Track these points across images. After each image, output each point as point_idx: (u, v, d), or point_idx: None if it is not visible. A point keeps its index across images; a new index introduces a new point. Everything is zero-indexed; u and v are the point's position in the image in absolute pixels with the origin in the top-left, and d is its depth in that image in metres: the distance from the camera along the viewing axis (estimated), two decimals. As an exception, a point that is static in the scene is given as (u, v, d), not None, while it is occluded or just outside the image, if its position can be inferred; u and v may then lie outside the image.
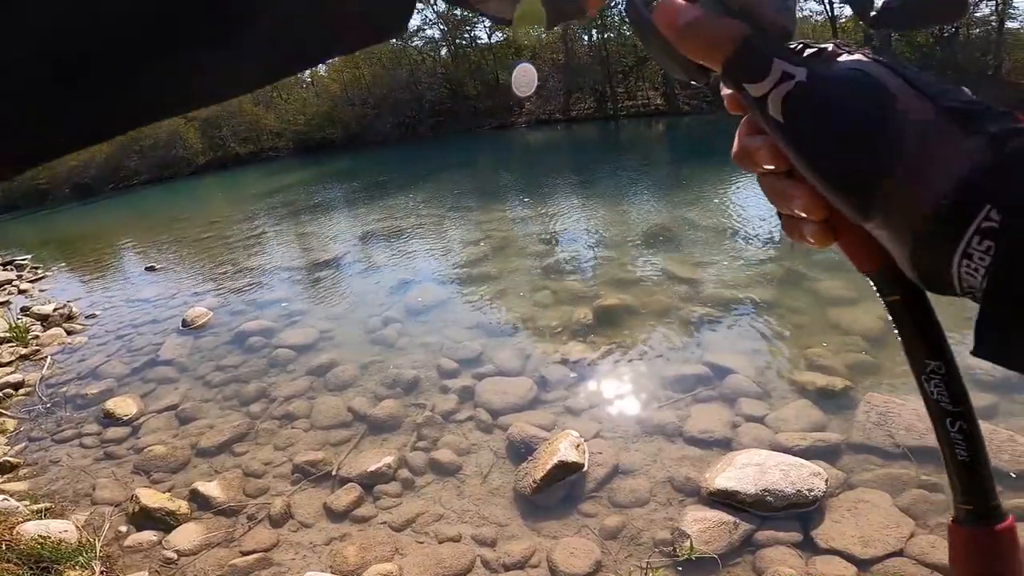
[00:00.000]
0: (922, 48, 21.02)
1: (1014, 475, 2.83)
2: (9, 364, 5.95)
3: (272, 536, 3.05)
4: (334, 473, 3.46)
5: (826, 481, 2.82)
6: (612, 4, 27.43)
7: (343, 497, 3.23)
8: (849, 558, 2.47)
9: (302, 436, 3.92)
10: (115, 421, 4.44)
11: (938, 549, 2.44)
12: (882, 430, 3.23)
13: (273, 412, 4.26)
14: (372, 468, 3.40)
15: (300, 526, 3.12)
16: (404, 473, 3.39)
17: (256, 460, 3.72)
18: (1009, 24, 19.23)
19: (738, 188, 10.30)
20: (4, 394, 5.19)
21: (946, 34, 20.43)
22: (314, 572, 2.69)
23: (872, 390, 3.60)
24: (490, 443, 3.59)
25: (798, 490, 2.76)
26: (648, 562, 2.61)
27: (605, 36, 28.01)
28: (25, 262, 13.65)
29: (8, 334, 6.56)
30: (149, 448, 3.99)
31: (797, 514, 2.73)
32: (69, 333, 6.82)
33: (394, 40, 32.86)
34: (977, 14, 19.88)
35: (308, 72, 40.93)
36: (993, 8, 19.31)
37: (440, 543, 2.87)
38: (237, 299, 7.14)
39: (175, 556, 2.97)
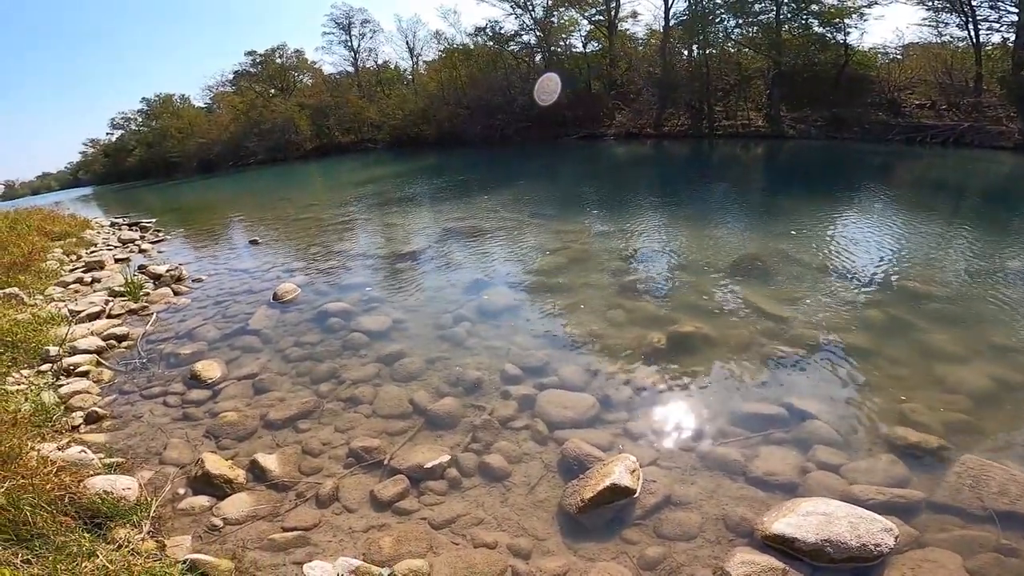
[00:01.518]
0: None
1: None
2: (118, 316, 6.57)
3: (315, 516, 3.13)
4: (386, 462, 3.52)
5: (896, 538, 2.60)
6: (717, 20, 26.50)
7: (390, 488, 3.28)
8: None
9: (363, 421, 4.03)
10: (199, 383, 4.68)
11: None
12: (972, 492, 2.94)
13: (340, 394, 4.42)
14: (423, 463, 3.44)
15: (344, 510, 3.19)
16: (453, 472, 3.41)
17: (316, 439, 3.84)
18: None
19: (841, 222, 9.56)
20: (108, 345, 5.65)
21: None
22: (347, 557, 2.73)
23: (969, 452, 3.23)
24: (543, 455, 3.54)
25: (863, 544, 2.56)
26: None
27: (707, 52, 27.03)
28: (149, 225, 15.26)
29: (123, 288, 7.28)
30: (224, 414, 4.15)
31: (855, 568, 2.53)
32: (176, 294, 7.50)
33: (491, 43, 33.57)
34: None
35: (410, 68, 42.76)
36: None
37: (475, 547, 2.86)
38: (323, 279, 7.56)
39: (221, 524, 3.07)
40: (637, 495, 3.05)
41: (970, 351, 4.53)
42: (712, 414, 3.84)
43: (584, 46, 32.62)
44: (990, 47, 22.01)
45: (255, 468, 3.51)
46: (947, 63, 22.46)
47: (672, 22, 28.24)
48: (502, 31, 33.43)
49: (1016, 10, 20.16)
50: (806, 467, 3.26)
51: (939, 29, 23.12)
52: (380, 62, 44.00)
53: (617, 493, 3.00)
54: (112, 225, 16.05)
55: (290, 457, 3.66)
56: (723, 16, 26.47)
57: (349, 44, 42.96)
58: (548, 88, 26.36)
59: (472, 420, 3.91)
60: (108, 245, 12.08)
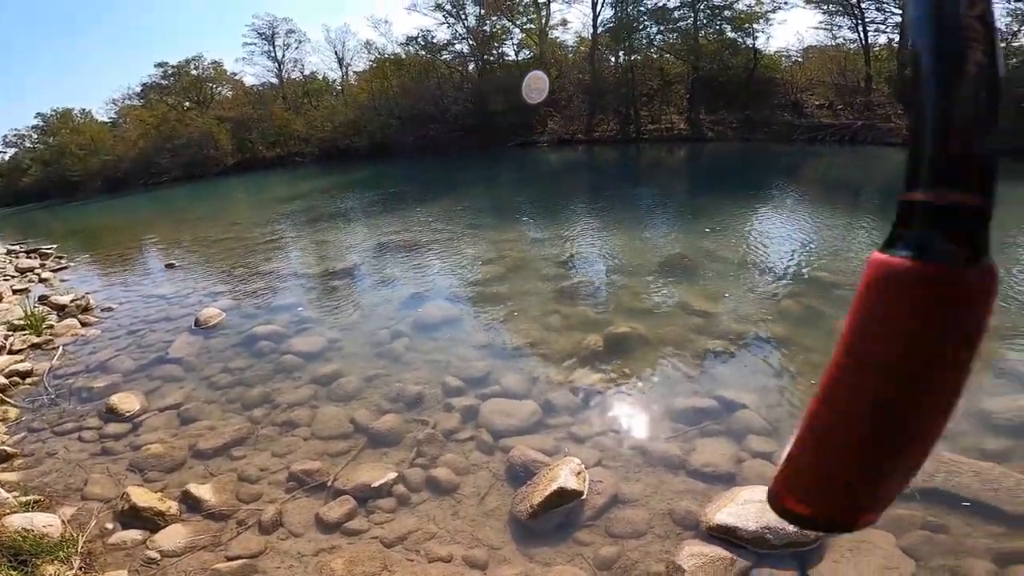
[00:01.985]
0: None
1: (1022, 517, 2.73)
2: (20, 352, 6.02)
3: (260, 543, 3.01)
4: (330, 484, 3.42)
5: (829, 521, 2.74)
6: (641, 27, 27.74)
7: (336, 509, 3.19)
8: None
9: (301, 444, 3.89)
10: (116, 416, 4.44)
11: None
12: (893, 475, 3.15)
13: (275, 418, 4.24)
14: (369, 481, 3.36)
15: (290, 535, 3.08)
16: (400, 489, 3.35)
17: (253, 465, 3.69)
18: None
19: (757, 219, 10.20)
20: (11, 382, 5.23)
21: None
22: (300, 583, 2.64)
23: (886, 436, 3.51)
24: (490, 464, 3.54)
25: (798, 529, 2.68)
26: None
27: (632, 58, 28.15)
28: (50, 251, 14.00)
29: (23, 322, 6.66)
30: (147, 446, 3.97)
31: (796, 552, 2.66)
32: (83, 325, 6.92)
33: (423, 52, 33.47)
34: (1015, 43, 19.52)
35: (339, 79, 41.81)
36: None
37: (430, 562, 2.82)
38: (250, 302, 7.21)
39: (158, 556, 2.92)
40: (585, 496, 3.09)
41: (876, 334, 4.94)
42: (650, 411, 3.97)
43: (516, 54, 33.08)
44: (878, 48, 24.15)
45: (188, 499, 3.36)
46: (841, 64, 24.49)
47: (600, 29, 29.19)
48: (434, 40, 33.36)
49: (900, 11, 22.24)
50: (741, 456, 3.42)
51: (833, 32, 25.24)
52: (307, 73, 42.70)
53: (565, 496, 3.03)
54: (8, 253, 14.61)
55: (226, 485, 3.51)
56: (646, 23, 27.73)
57: (273, 55, 41.43)
58: (536, 86, 26.37)
59: (416, 435, 3.85)
60: (4, 275, 10.97)
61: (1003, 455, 3.27)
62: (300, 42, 42.80)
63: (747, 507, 2.83)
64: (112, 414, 4.47)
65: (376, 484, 3.34)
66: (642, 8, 27.57)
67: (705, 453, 3.45)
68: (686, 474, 3.31)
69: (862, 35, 23.79)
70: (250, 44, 44.45)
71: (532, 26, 31.88)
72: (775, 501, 0.39)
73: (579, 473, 3.19)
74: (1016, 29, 19.36)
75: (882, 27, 23.56)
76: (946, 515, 2.84)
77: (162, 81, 43.19)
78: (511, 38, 32.69)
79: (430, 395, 4.34)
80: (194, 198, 24.12)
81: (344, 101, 37.15)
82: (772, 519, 2.71)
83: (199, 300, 7.49)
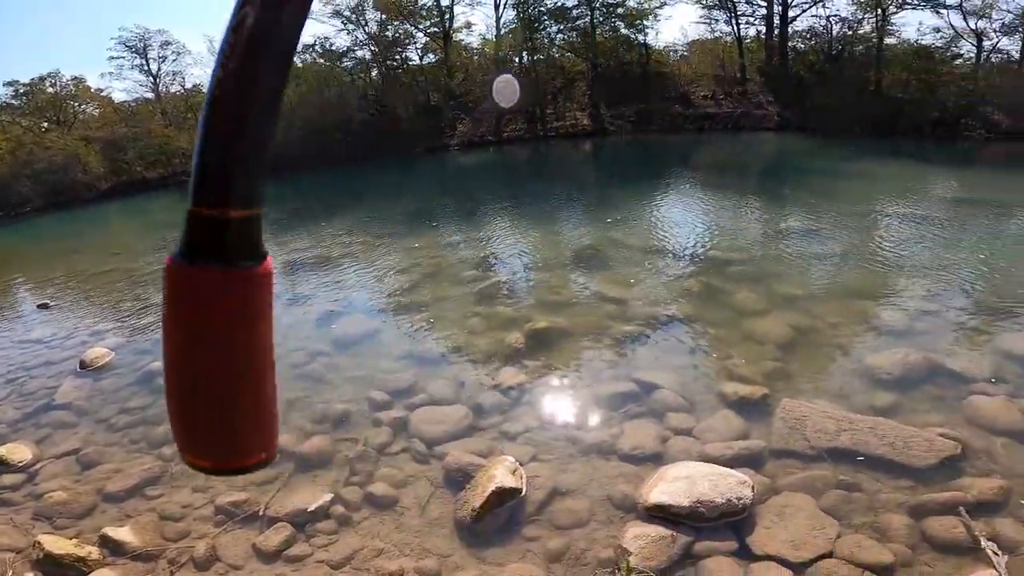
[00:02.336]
0: (814, 66, 23.11)
1: (923, 468, 3.05)
2: None
3: (200, 580, 2.83)
4: (262, 513, 3.28)
5: (753, 488, 2.94)
6: (542, 27, 28.41)
7: (273, 537, 3.07)
8: (784, 563, 2.56)
9: (223, 477, 3.67)
10: (8, 468, 4.14)
11: (865, 548, 2.58)
12: (799, 434, 3.43)
13: None
14: (304, 506, 3.25)
15: (229, 568, 2.94)
16: (339, 509, 3.26)
17: (173, 503, 3.50)
18: (888, 40, 21.31)
19: (659, 206, 10.82)
20: None
21: (834, 52, 22.58)
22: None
23: (786, 396, 3.83)
24: (427, 473, 3.50)
25: (728, 499, 2.85)
26: (593, 584, 2.60)
27: (535, 58, 28.82)
28: None
29: None
30: (49, 494, 3.73)
31: (731, 523, 2.82)
32: (-53, 383, 6.03)
33: (322, 60, 32.12)
34: (860, 31, 22.06)
35: (225, 91, 39.17)
36: (874, 25, 21.35)
37: (383, 578, 2.75)
38: (143, 337, 6.60)
39: None
40: (525, 493, 3.14)
41: (768, 304, 5.41)
42: (576, 401, 4.10)
43: (421, 59, 32.55)
44: (749, 40, 26.39)
45: (108, 543, 3.16)
46: (719, 56, 26.51)
47: (503, 31, 29.52)
48: (333, 48, 32.09)
49: (765, 4, 24.38)
50: (665, 435, 3.61)
51: (711, 25, 27.22)
52: (189, 86, 39.60)
53: (505, 495, 3.06)
54: None
55: (147, 525, 3.31)
56: (547, 23, 28.49)
57: (146, 68, 37.98)
58: (506, 91, 25.67)
59: (347, 454, 3.75)
60: None
61: (891, 409, 3.67)
62: (179, 54, 39.52)
63: (677, 484, 2.97)
64: (3, 465, 4.16)
65: (312, 507, 3.23)
66: (542, 8, 28.34)
67: (632, 436, 3.61)
68: (617, 458, 3.45)
69: (735, 28, 25.89)
70: (118, 58, 40.48)
71: (436, 30, 31.62)
72: (184, 459, 0.45)
73: (515, 471, 3.23)
74: (859, 18, 21.85)
75: (752, 19, 25.78)
76: (856, 473, 3.13)
77: (12, 101, 38.31)
78: (414, 43, 32.21)
79: (357, 412, 4.22)
80: (65, 228, 21.66)
81: (234, 113, 34.90)
82: (702, 493, 2.87)
83: (82, 341, 6.75)
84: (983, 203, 9.29)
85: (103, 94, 40.33)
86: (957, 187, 11.07)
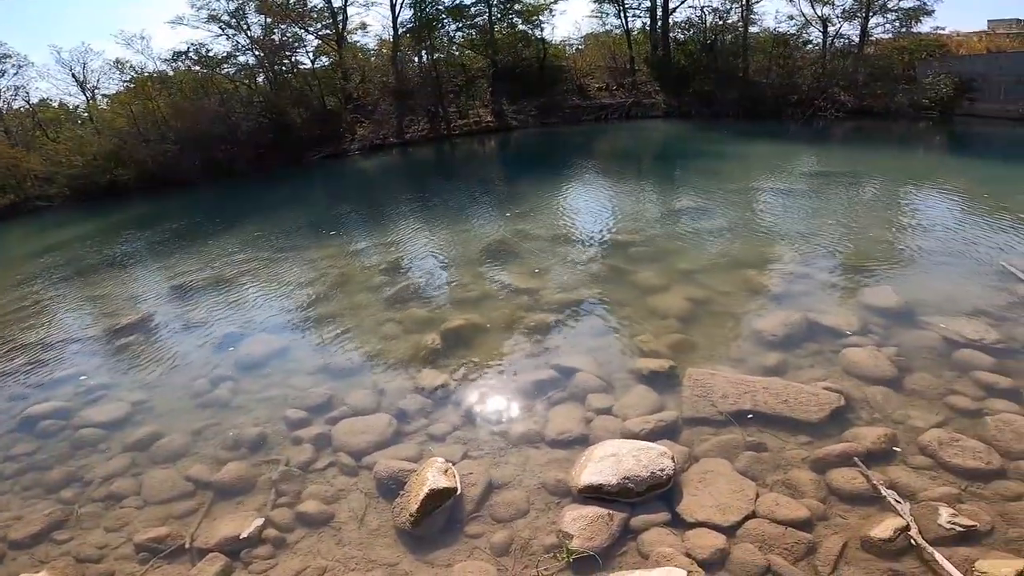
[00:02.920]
0: (692, 55, 24.85)
1: (816, 423, 3.38)
2: None
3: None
4: (188, 546, 3.08)
5: (673, 459, 3.09)
6: (440, 25, 28.14)
7: (207, 568, 2.90)
8: (715, 528, 2.73)
9: (136, 514, 3.44)
10: None
11: (782, 506, 2.80)
12: (706, 401, 3.69)
13: (92, 495, 3.68)
14: (233, 534, 3.08)
15: None
16: (272, 532, 3.11)
17: (87, 544, 3.23)
18: (752, 28, 23.37)
19: (563, 195, 11.15)
20: None
21: (708, 41, 24.40)
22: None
23: (691, 365, 4.13)
24: (358, 485, 3.41)
25: (652, 472, 2.98)
26: (540, 571, 2.66)
27: (435, 57, 28.52)
28: None
29: None
30: None
31: (659, 495, 2.96)
32: None
33: (198, 67, 29.59)
34: (729, 21, 24.01)
35: (83, 105, 35.17)
36: (740, 15, 23.30)
37: (333, 595, 2.65)
38: (13, 381, 5.81)
39: None
40: (460, 491, 3.13)
41: (667, 280, 5.78)
42: (499, 394, 4.14)
43: (313, 62, 30.93)
44: (636, 32, 27.87)
45: None
46: (611, 49, 27.79)
47: (400, 30, 28.80)
48: (210, 54, 29.59)
49: None
50: (588, 416, 3.75)
51: (603, 19, 28.44)
52: (35, 101, 34.97)
53: (439, 496, 3.04)
54: None
55: (65, 570, 3.05)
56: (445, 20, 28.22)
57: (-21, 84, 33.07)
58: None
59: (270, 475, 3.57)
60: None
61: (779, 368, 4.03)
62: (20, 66, 34.80)
63: (604, 463, 3.09)
64: None
65: (244, 534, 3.07)
66: (440, 7, 28.06)
67: (557, 421, 3.72)
68: (546, 445, 3.54)
69: (624, 20, 27.25)
70: (-57, 72, 34.94)
71: (329, 32, 30.21)
72: None
73: (447, 471, 3.21)
74: (728, 8, 23.71)
75: (638, 12, 27.26)
76: (760, 433, 3.39)
77: None
78: (304, 46, 30.56)
79: (273, 433, 4.01)
80: None
81: (96, 129, 31.31)
82: (628, 468, 3.00)
83: (-65, 397, 5.82)
84: (839, 175, 10.52)
85: (-75, 114, 34.72)
86: (816, 162, 12.43)
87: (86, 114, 34.40)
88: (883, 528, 2.58)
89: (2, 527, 3.48)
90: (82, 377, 5.60)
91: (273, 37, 29.66)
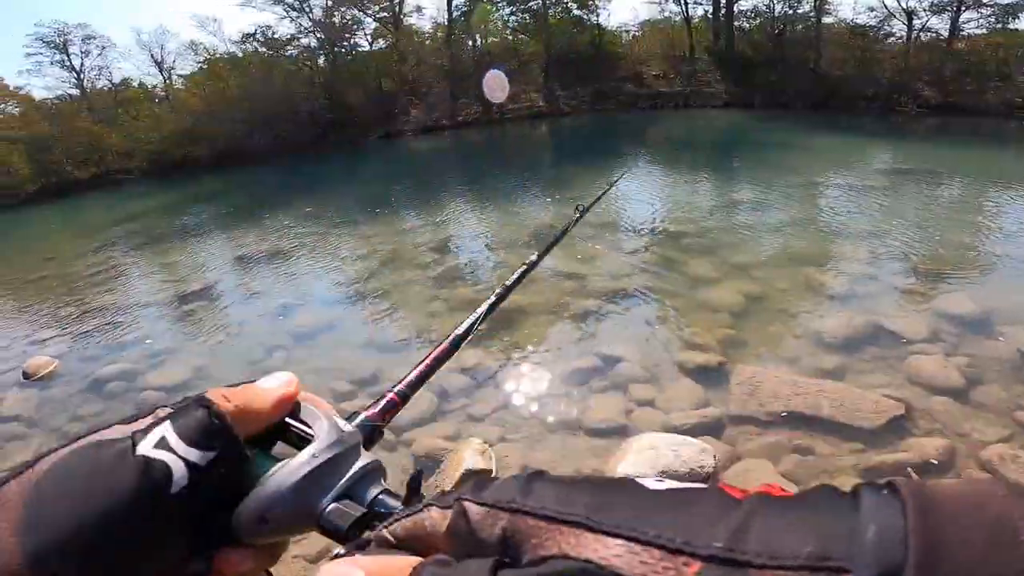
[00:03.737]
0: (758, 45, 23.75)
1: (872, 430, 3.21)
2: None
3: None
4: None
5: (715, 456, 3.00)
6: (496, 9, 28.12)
7: None
8: None
9: (184, 484, 3.55)
10: None
11: None
12: (755, 400, 3.54)
13: None
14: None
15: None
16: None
17: None
18: (826, 19, 22.09)
19: (618, 182, 10.94)
20: None
21: (776, 31, 23.25)
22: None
23: (742, 363, 3.97)
24: (396, 461, 3.47)
25: (691, 468, 2.91)
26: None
27: (488, 41, 28.56)
28: None
29: None
30: None
31: None
32: None
33: (264, 49, 30.82)
34: (800, 11, 22.78)
35: (161, 85, 37.22)
36: (812, 4, 22.06)
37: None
38: (88, 343, 6.27)
39: None
40: (495, 473, 3.14)
41: (722, 274, 5.57)
42: (541, 378, 4.12)
43: (371, 45, 31.64)
44: (696, 20, 26.90)
45: None
46: (669, 37, 26.95)
47: (455, 14, 29.00)
48: (276, 36, 30.77)
49: None
50: (629, 407, 3.67)
51: (661, 6, 27.58)
52: (117, 81, 37.29)
53: (475, 477, 3.06)
54: None
55: None
56: (500, 5, 28.18)
57: (67, 64, 35.53)
58: (496, 85, 24.97)
59: (313, 446, 3.66)
60: None
61: (838, 372, 3.82)
62: (104, 48, 37.11)
63: (643, 455, 3.02)
64: None
65: None
66: None
67: (598, 410, 3.66)
68: (585, 433, 3.50)
69: (684, 8, 26.30)
70: (35, 54, 37.72)
71: (386, 15, 30.74)
72: None
73: (484, 452, 3.23)
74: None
75: (699, 0, 26.26)
76: (809, 437, 3.24)
77: (-78, 101, 35.29)
78: (363, 28, 31.27)
79: (319, 405, 4.14)
80: (-9, 236, 20.24)
81: (172, 108, 33.14)
82: (667, 463, 2.92)
83: (22, 350, 6.36)
84: (916, 172, 9.81)
85: (22, 92, 37.62)
86: (892, 158, 11.65)
87: (163, 93, 36.43)
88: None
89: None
90: (148, 341, 5.98)
91: (333, 19, 30.43)
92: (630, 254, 6.49)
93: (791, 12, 22.93)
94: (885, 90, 18.43)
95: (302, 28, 31.44)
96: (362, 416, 0.47)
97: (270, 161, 25.66)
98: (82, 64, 36.11)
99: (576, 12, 28.12)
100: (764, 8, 23.92)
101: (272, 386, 0.39)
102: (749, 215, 7.62)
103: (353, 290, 6.47)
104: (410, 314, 5.52)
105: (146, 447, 0.33)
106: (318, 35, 30.99)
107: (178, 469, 0.32)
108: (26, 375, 5.45)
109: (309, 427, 0.38)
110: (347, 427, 0.40)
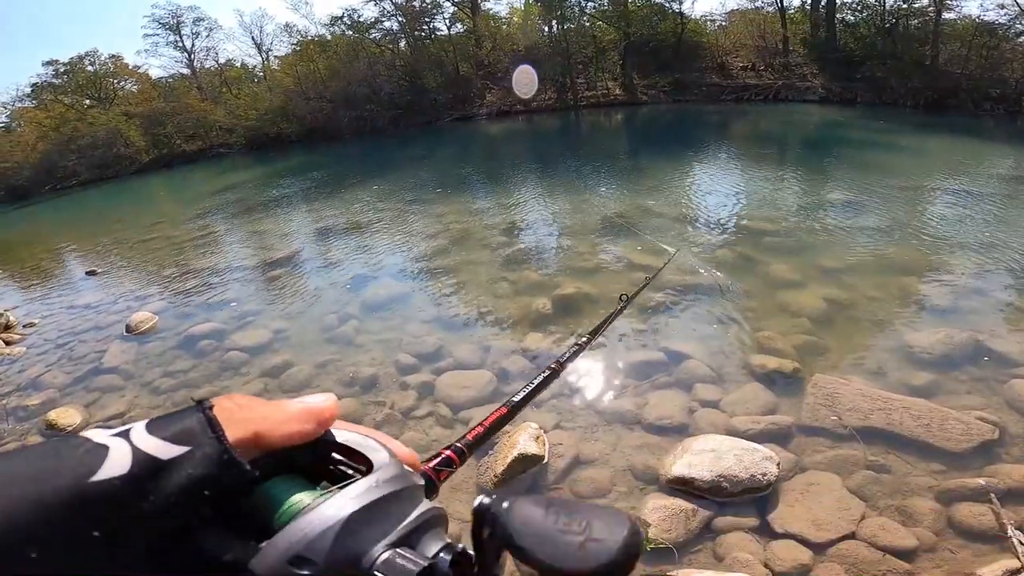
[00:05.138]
0: (864, 39, 21.92)
1: (957, 452, 2.94)
2: (-61, 378, 5.53)
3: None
4: None
5: (778, 465, 2.87)
6: None
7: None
8: (804, 542, 2.51)
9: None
10: (59, 432, 4.21)
11: (888, 532, 2.51)
12: (830, 411, 3.33)
13: None
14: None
15: None
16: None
17: None
18: (946, 15, 20.07)
19: (692, 176, 10.52)
20: None
21: (887, 25, 21.35)
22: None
23: (819, 371, 3.73)
24: (451, 438, 3.52)
25: (752, 475, 2.79)
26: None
27: (565, 27, 28.21)
28: (-49, 269, 12.75)
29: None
30: None
31: (753, 499, 2.76)
32: (7, 344, 6.40)
33: (350, 32, 32.17)
34: (916, 5, 20.79)
35: (260, 65, 39.61)
36: None
37: (402, 541, 2.83)
38: (184, 302, 6.85)
39: None
40: (547, 460, 3.15)
41: (804, 276, 5.23)
42: (602, 369, 4.06)
43: (449, 29, 32.27)
44: (792, 11, 25.24)
45: None
46: (761, 28, 25.41)
47: None
48: (361, 19, 32.06)
49: None
50: (691, 406, 3.55)
51: None
52: (222, 61, 40.14)
53: (527, 461, 3.08)
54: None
55: None
56: None
57: (180, 45, 38.58)
58: (525, 80, 25.75)
59: (374, 417, 3.81)
60: None
61: (928, 390, 3.51)
62: (211, 30, 39.90)
63: (701, 457, 2.92)
64: (53, 430, 4.24)
65: None
66: None
67: (658, 406, 3.57)
68: (642, 429, 3.42)
69: (779, -1, 24.72)
70: (152, 35, 41.17)
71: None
72: None
73: (538, 437, 3.24)
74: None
75: (797, -10, 24.60)
76: (886, 454, 3.01)
77: (54, 80, 39.45)
78: (442, 12, 31.87)
79: (384, 375, 4.29)
80: (109, 200, 22.45)
81: (268, 87, 35.29)
82: (726, 467, 2.82)
83: (127, 306, 7.04)
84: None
85: (140, 71, 41.25)
86: (1015, 165, 10.41)
87: (261, 73, 38.79)
88: (993, 568, 2.25)
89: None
90: (238, 303, 6.44)
91: (414, 3, 31.09)
92: (705, 249, 6.24)
93: (904, 6, 20.93)
94: (1014, 91, 16.51)
95: (385, 11, 32.35)
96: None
97: (352, 139, 26.66)
98: (192, 45, 39.06)
99: (658, 0, 27.11)
100: (873, 1, 21.98)
101: (302, 403, 0.34)
102: (841, 217, 7.09)
103: (423, 266, 6.65)
104: (476, 294, 5.60)
105: (101, 435, 0.28)
106: (399, 18, 31.80)
107: (119, 455, 0.27)
108: (128, 329, 6.03)
109: (360, 464, 0.34)
110: (413, 474, 0.36)
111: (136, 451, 0.27)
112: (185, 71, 39.84)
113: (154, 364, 5.16)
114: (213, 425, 0.30)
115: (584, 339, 0.96)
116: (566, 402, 3.75)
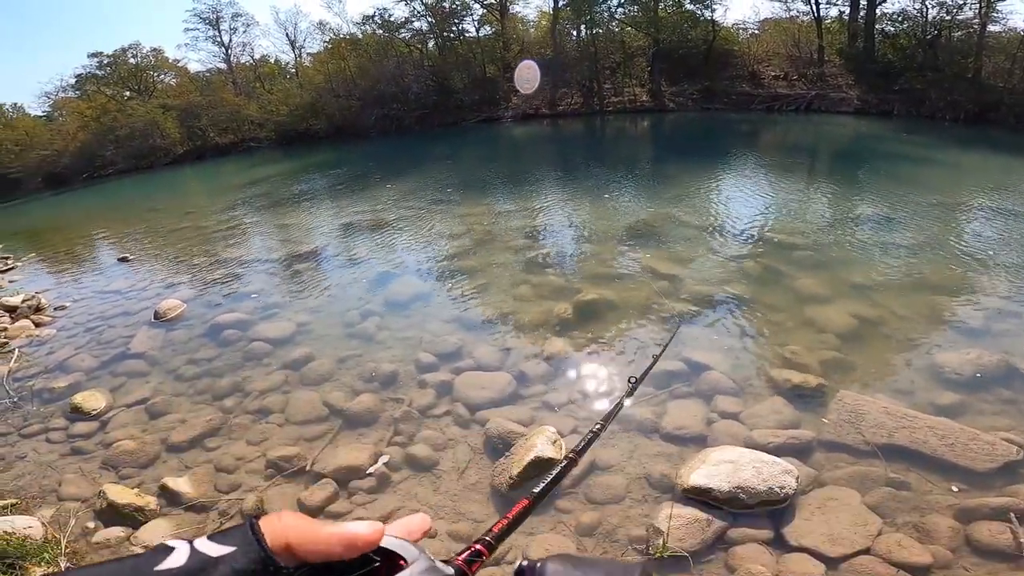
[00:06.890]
0: (904, 50, 21.42)
1: (980, 472, 2.87)
2: (-28, 356, 5.72)
3: (246, 531, 3.02)
4: (308, 468, 3.40)
5: (797, 479, 2.82)
6: (601, 1, 27.60)
7: (317, 493, 3.18)
8: (818, 556, 2.48)
9: (276, 431, 3.84)
10: (83, 416, 4.33)
11: (904, 548, 2.46)
12: (853, 428, 3.26)
13: (247, 406, 4.17)
14: (350, 464, 3.35)
15: None
16: (380, 468, 3.35)
17: (228, 455, 3.64)
18: (991, 28, 19.52)
19: (719, 186, 10.38)
20: None
21: (929, 36, 20.83)
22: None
23: (844, 388, 3.65)
24: (468, 438, 3.55)
25: (770, 488, 2.75)
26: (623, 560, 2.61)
27: (594, 32, 28.16)
28: (-7, 251, 13.22)
29: (-29, 325, 6.32)
30: (118, 443, 3.88)
31: (769, 511, 2.73)
32: (37, 325, 6.61)
33: (381, 31, 32.62)
34: (960, 16, 20.25)
35: (292, 62, 40.36)
36: (976, 11, 19.55)
37: (415, 539, 2.85)
38: (212, 291, 7.00)
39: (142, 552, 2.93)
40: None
41: (832, 292, 5.13)
42: (621, 376, 4.04)
43: (477, 31, 32.53)
44: (829, 20, 24.74)
45: (166, 493, 3.33)
46: (795, 37, 25.00)
47: (561, 3, 28.93)
48: (391, 18, 32.50)
49: None
50: (711, 417, 3.51)
51: (787, 4, 25.64)
52: (257, 57, 41.05)
53: (542, 465, 3.06)
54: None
55: (203, 477, 3.47)
56: None
57: (219, 40, 39.56)
58: (527, 76, 25.93)
59: (392, 414, 3.84)
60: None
61: (955, 410, 3.42)
62: (248, 25, 40.91)
63: (719, 468, 2.89)
64: (77, 413, 4.35)
65: (369, 469, 3.33)
66: None
67: (676, 416, 3.53)
68: (659, 437, 3.39)
69: (814, 8, 24.27)
70: (193, 30, 42.32)
71: (493, 2, 31.35)
72: None
73: (555, 441, 3.23)
74: (961, 3, 20.02)
75: (834, 1, 24.12)
76: (907, 471, 2.95)
77: (98, 71, 40.75)
78: (471, 14, 32.13)
79: (404, 373, 4.32)
80: (144, 190, 23.08)
81: (299, 84, 35.96)
82: (744, 479, 2.79)
83: (157, 292, 7.23)
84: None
85: (180, 64, 42.35)
86: (1058, 182, 10.06)
87: (293, 70, 39.52)
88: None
89: (167, 428, 4.03)
90: (264, 295, 6.56)
91: (444, 4, 31.36)
92: (730, 260, 6.15)
93: (947, 17, 20.38)
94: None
95: (415, 12, 32.69)
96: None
97: (378, 137, 26.91)
98: (230, 40, 39.97)
99: (689, 6, 26.84)
100: (915, 12, 21.45)
101: (342, 530, 0.40)
102: (872, 232, 6.94)
103: (445, 266, 6.70)
104: (498, 296, 5.61)
105: (173, 541, 0.37)
106: (429, 19, 32.11)
107: (180, 553, 0.36)
108: (156, 316, 6.18)
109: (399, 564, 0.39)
110: (444, 567, 0.42)
111: (194, 550, 0.36)
112: (222, 66, 40.80)
113: (179, 351, 5.27)
114: (255, 531, 0.38)
115: (598, 427, 1.04)
116: (585, 407, 3.74)
